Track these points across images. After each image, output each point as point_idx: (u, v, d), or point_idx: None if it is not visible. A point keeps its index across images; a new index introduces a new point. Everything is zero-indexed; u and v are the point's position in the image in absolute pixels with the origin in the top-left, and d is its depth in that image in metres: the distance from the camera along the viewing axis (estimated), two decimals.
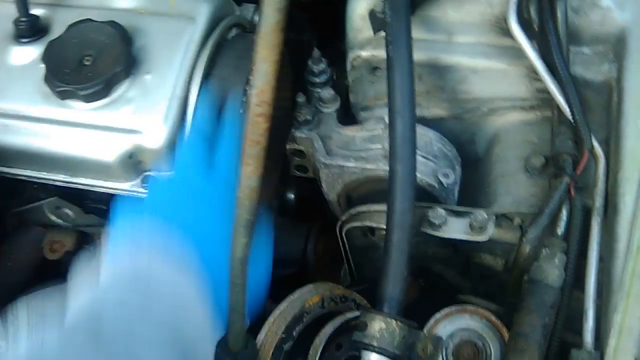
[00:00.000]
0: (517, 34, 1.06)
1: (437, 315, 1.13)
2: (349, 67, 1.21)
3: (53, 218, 1.21)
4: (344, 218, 1.19)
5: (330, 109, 1.26)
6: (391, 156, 0.99)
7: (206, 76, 1.09)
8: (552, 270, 0.98)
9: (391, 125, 0.99)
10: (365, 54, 1.18)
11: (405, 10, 0.98)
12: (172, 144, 1.07)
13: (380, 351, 0.93)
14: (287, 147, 1.24)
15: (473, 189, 1.22)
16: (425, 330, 1.14)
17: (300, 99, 1.21)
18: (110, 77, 1.05)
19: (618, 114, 1.02)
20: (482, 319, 1.11)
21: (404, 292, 0.97)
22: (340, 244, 1.25)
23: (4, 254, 1.27)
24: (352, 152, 1.20)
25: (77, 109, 1.08)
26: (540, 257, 0.99)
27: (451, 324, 1.13)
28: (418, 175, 1.15)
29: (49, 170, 1.12)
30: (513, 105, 1.17)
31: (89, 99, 1.05)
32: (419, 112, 1.23)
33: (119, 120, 1.06)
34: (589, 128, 1.02)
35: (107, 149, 1.07)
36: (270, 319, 1.10)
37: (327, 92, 1.25)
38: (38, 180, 1.13)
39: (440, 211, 1.09)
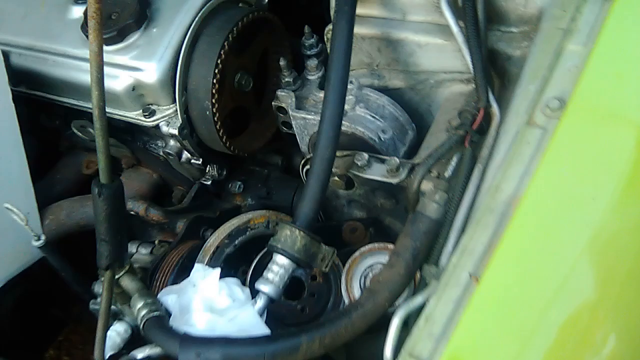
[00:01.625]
0: (445, 13, 1.25)
1: (363, 249, 1.33)
2: (325, 38, 1.45)
3: (79, 134, 1.55)
4: (303, 162, 1.42)
5: (314, 75, 1.50)
6: (324, 102, 1.21)
7: (197, 34, 1.39)
8: (431, 204, 1.14)
9: (327, 77, 1.21)
10: None
11: None
12: (165, 83, 1.37)
13: (282, 252, 1.15)
14: (273, 103, 1.49)
15: None
16: (350, 259, 1.34)
17: (282, 62, 1.46)
18: (123, 27, 1.38)
19: (516, 79, 1.17)
20: None
21: (315, 211, 1.17)
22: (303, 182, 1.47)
23: (56, 169, 1.63)
24: (319, 109, 1.43)
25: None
26: (424, 193, 1.16)
27: (372, 257, 1.32)
28: (361, 129, 1.37)
29: (80, 99, 1.47)
30: (453, 77, 1.34)
31: (108, 42, 1.38)
32: (383, 83, 1.45)
33: (128, 60, 1.39)
34: (486, 89, 1.18)
35: (117, 82, 1.39)
36: (220, 228, 1.36)
37: (312, 62, 1.49)
38: (75, 107, 1.48)
39: (365, 156, 1.29)
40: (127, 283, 1.13)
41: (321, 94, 1.46)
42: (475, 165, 1.15)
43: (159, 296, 1.15)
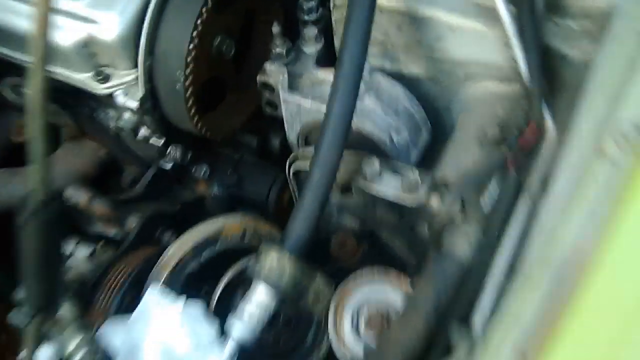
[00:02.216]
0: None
1: (357, 277, 1.08)
2: (332, 4, 1.16)
3: (12, 96, 1.23)
4: (291, 158, 1.15)
5: (311, 48, 1.21)
6: (331, 92, 0.94)
7: None
8: (460, 241, 0.90)
9: (339, 59, 0.94)
10: None
11: None
12: (126, 42, 1.07)
13: (264, 284, 0.89)
14: (258, 78, 1.20)
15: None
16: (341, 287, 1.09)
17: (275, 29, 1.17)
18: None
19: (580, 91, 0.92)
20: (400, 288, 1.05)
21: (311, 231, 0.92)
22: (289, 184, 1.20)
23: None
24: (316, 93, 1.15)
25: None
26: (454, 224, 0.91)
27: (369, 288, 1.08)
28: (370, 126, 1.10)
29: (16, 49, 1.15)
30: (488, 73, 1.08)
31: None
32: (396, 67, 1.18)
33: (81, 7, 1.08)
34: (541, 98, 0.92)
35: (65, 35, 1.08)
36: (183, 237, 1.08)
37: (310, 31, 1.20)
38: (7, 59, 1.16)
39: (376, 163, 1.03)
40: (60, 311, 0.85)
41: (319, 73, 1.18)
42: (521, 197, 0.90)
43: (100, 331, 0.88)
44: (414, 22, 1.10)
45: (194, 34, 1.07)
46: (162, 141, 1.23)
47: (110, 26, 1.07)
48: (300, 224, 0.91)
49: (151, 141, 1.23)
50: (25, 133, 1.28)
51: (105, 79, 1.11)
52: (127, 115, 1.17)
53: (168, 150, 1.26)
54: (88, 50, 1.10)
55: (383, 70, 1.17)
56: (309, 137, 1.20)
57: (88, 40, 1.08)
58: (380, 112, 1.11)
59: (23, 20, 1.10)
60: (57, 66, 1.13)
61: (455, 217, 0.92)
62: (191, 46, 1.08)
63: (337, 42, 1.21)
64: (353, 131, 1.08)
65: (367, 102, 1.10)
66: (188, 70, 1.09)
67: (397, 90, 1.13)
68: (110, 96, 1.13)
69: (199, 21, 1.08)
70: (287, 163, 1.16)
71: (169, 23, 1.09)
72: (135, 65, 1.10)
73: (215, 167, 1.36)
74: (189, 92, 1.11)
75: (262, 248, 0.92)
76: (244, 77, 1.30)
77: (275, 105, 1.24)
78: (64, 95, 1.22)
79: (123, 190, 1.30)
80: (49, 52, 1.11)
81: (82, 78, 1.13)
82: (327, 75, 1.17)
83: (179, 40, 1.08)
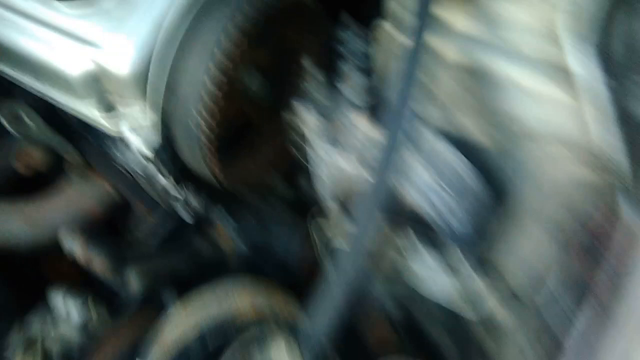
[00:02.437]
0: (568, 51, 0.79)
1: None
2: (375, 38, 1.00)
3: (8, 127, 1.09)
4: (312, 213, 0.98)
5: (349, 88, 1.04)
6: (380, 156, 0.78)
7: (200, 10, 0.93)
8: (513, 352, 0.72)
9: (387, 119, 0.78)
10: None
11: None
12: (139, 78, 0.93)
13: None
14: (285, 116, 1.04)
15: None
16: None
17: (307, 62, 1.00)
18: None
19: None
20: None
21: (336, 326, 0.75)
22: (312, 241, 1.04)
23: None
24: (351, 146, 0.98)
25: (60, 12, 0.96)
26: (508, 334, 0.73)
27: None
28: (417, 197, 0.92)
29: (20, 69, 1.02)
30: (567, 151, 0.89)
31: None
32: (450, 125, 1.00)
33: (92, 32, 0.93)
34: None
35: (73, 62, 0.94)
36: (190, 312, 0.92)
37: (352, 67, 1.03)
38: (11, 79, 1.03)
39: (427, 259, 0.85)
40: None
41: (357, 121, 1.01)
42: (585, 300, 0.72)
43: None
44: (478, 78, 0.92)
45: (212, 65, 0.92)
46: (181, 190, 1.07)
47: (124, 58, 0.92)
48: (324, 312, 0.75)
49: (169, 190, 1.07)
50: (29, 163, 1.18)
51: (114, 116, 0.97)
52: (141, 159, 1.02)
53: (187, 199, 1.11)
54: (95, 82, 0.95)
55: (440, 133, 0.99)
56: (339, 197, 1.03)
57: (99, 73, 0.94)
58: (429, 180, 0.93)
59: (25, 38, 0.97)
60: (62, 94, 0.99)
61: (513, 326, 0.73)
62: (209, 81, 0.92)
63: (378, 83, 1.04)
64: (398, 201, 0.92)
65: (415, 166, 0.93)
66: (206, 111, 0.93)
67: (453, 156, 0.95)
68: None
69: (221, 51, 0.92)
70: (309, 218, 1.00)
71: (190, 54, 0.94)
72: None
73: (241, 218, 1.19)
74: (207, 138, 0.96)
75: (272, 335, 0.76)
76: (278, 122, 1.14)
77: (303, 150, 1.07)
78: (65, 121, 1.08)
79: (133, 237, 1.14)
80: (49, 78, 1.00)
81: (90, 114, 0.98)
82: (364, 125, 1.00)
83: (196, 75, 0.93)
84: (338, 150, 0.96)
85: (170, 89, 0.94)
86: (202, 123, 0.94)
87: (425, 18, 0.82)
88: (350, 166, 0.96)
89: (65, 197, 1.11)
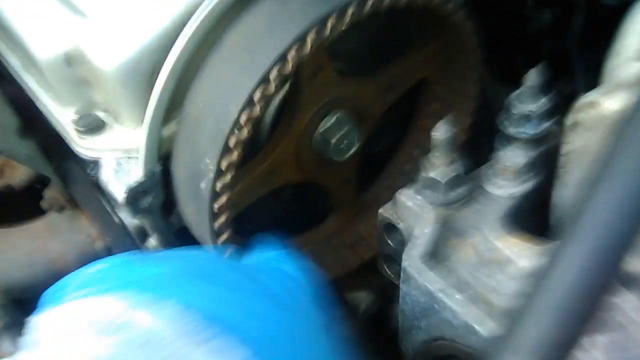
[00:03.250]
0: None
1: None
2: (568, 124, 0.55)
3: None
4: None
5: (505, 187, 0.61)
6: None
7: None
8: None
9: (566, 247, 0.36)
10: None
11: None
12: (130, 78, 0.55)
13: None
14: (380, 213, 0.62)
15: None
16: None
17: (438, 133, 0.58)
18: None
19: None
20: None
21: None
22: None
23: None
24: (481, 284, 0.54)
25: None
26: None
27: None
28: None
29: None
30: None
31: None
32: None
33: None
34: None
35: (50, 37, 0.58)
36: None
37: (514, 153, 0.60)
38: None
39: None
40: None
41: (510, 245, 0.57)
42: None
43: None
44: None
45: (255, 96, 0.52)
46: None
47: (110, 53, 0.54)
48: None
49: None
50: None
51: (90, 130, 0.59)
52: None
53: None
54: (73, 71, 0.58)
55: None
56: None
57: (73, 54, 0.57)
58: None
59: None
60: (41, 89, 0.63)
61: None
62: (243, 116, 0.52)
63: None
64: None
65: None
66: (226, 162, 0.53)
67: None
68: (94, 164, 0.60)
69: (279, 67, 0.52)
70: None
71: (219, 61, 0.54)
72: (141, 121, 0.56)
73: None
74: (221, 203, 0.55)
75: None
76: (367, 200, 0.73)
77: (396, 268, 0.64)
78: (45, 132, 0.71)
79: None
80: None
81: (62, 119, 0.61)
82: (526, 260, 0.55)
83: (224, 103, 0.53)
84: (446, 279, 0.53)
85: (180, 110, 0.55)
86: (213, 175, 0.54)
87: None
88: (458, 307, 0.51)
89: (35, 241, 0.75)
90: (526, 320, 0.39)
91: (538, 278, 0.39)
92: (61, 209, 0.75)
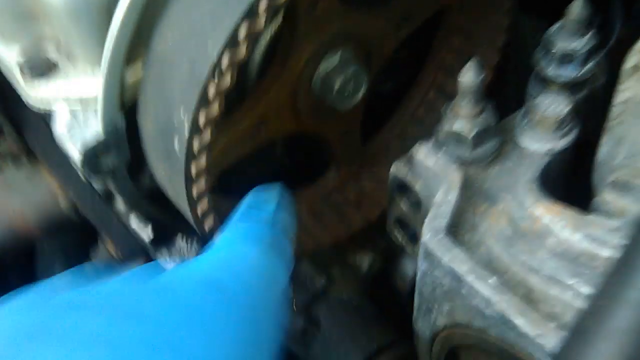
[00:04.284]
0: None
1: None
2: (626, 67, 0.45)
3: None
4: None
5: (540, 142, 0.51)
6: None
7: None
8: None
9: None
10: None
11: None
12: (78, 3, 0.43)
13: None
14: (392, 170, 0.52)
15: None
16: None
17: (467, 77, 0.47)
18: None
19: None
20: None
21: None
22: None
23: None
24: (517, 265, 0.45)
25: None
26: None
27: None
28: None
29: None
30: None
31: None
32: None
33: None
34: None
35: None
36: None
37: (552, 101, 0.50)
38: None
39: None
40: None
41: (547, 209, 0.47)
42: None
43: None
44: None
45: (237, 30, 0.41)
46: (152, 228, 0.58)
47: None
48: None
49: (135, 226, 0.58)
50: None
51: (39, 73, 0.48)
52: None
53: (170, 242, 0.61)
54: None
55: None
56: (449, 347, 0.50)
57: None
58: None
59: None
60: None
61: None
62: (226, 52, 0.41)
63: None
64: None
65: None
66: (204, 116, 0.43)
67: None
68: (45, 113, 0.50)
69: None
70: None
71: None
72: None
73: None
74: (199, 165, 0.45)
75: None
76: (374, 150, 0.62)
77: (412, 234, 0.55)
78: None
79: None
80: None
81: (6, 60, 0.50)
82: (569, 233, 0.46)
83: (200, 41, 0.42)
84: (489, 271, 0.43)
85: (146, 48, 0.44)
86: (190, 137, 0.43)
87: None
88: (488, 291, 0.42)
89: None
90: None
91: None
92: (15, 159, 0.65)
